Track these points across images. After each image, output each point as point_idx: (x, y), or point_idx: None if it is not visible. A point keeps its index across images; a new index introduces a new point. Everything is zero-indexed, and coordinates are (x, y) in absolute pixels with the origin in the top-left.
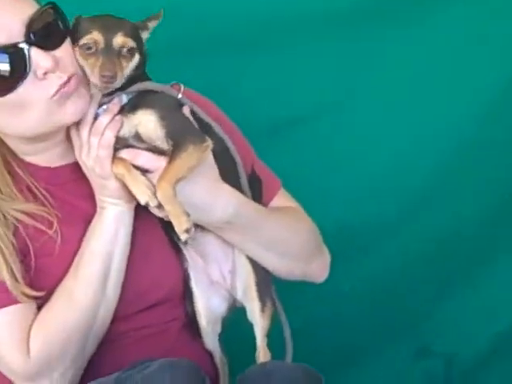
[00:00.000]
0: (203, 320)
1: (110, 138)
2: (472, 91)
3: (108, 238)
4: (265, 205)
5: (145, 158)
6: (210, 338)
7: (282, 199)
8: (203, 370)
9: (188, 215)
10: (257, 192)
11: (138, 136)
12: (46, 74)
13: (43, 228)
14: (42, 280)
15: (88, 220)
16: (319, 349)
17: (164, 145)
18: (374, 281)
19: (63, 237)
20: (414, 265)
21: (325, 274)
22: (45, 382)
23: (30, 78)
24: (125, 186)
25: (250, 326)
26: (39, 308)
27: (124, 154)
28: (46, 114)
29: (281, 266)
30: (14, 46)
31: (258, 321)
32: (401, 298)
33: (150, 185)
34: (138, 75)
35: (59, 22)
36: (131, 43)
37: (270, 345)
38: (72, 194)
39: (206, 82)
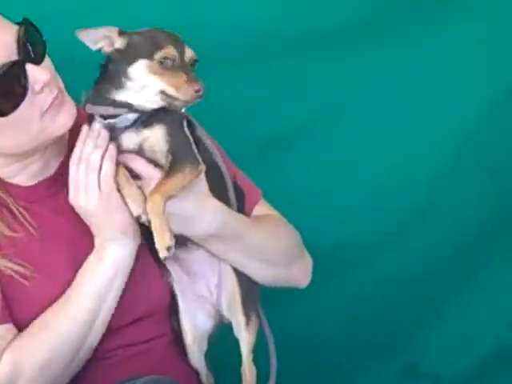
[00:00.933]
0: (189, 337)
1: (110, 169)
2: (468, 105)
3: (103, 281)
4: (247, 214)
5: (141, 164)
6: (196, 356)
7: (262, 208)
8: None
9: (172, 233)
10: (240, 203)
11: (141, 149)
12: (43, 87)
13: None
14: (21, 302)
15: (67, 236)
16: (304, 368)
17: (163, 160)
18: (361, 300)
19: (43, 252)
20: (401, 284)
21: (307, 279)
22: None
23: (29, 94)
24: (132, 222)
25: (236, 342)
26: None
27: (121, 156)
28: (40, 129)
29: (264, 272)
30: (14, 63)
31: (244, 335)
32: (388, 318)
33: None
34: None
35: (38, 37)
36: (196, 56)
37: (256, 361)
38: (50, 209)
39: None
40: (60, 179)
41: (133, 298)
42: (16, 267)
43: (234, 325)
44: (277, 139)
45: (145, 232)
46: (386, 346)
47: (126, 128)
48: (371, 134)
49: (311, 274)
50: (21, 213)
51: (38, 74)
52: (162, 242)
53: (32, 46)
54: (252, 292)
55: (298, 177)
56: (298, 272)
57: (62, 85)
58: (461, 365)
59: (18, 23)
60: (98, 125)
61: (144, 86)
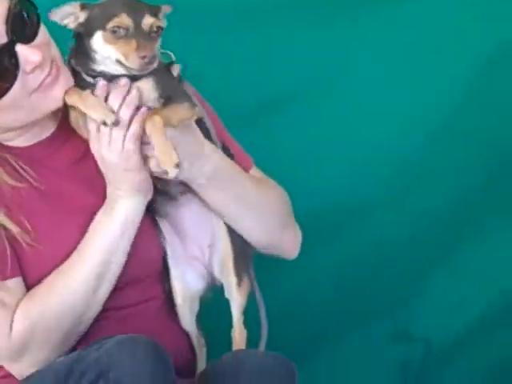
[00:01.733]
0: (179, 298)
1: (137, 130)
2: (460, 65)
3: (114, 234)
4: None
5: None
6: (187, 318)
7: (255, 174)
8: (180, 351)
9: (176, 151)
10: None
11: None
12: (34, 68)
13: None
14: (28, 259)
15: (69, 195)
16: (294, 332)
17: (156, 104)
18: (350, 264)
19: (47, 209)
20: (389, 248)
21: (296, 250)
22: (25, 363)
23: (20, 75)
24: (148, 178)
25: (227, 304)
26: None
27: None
28: (30, 107)
29: (257, 231)
30: (3, 46)
31: (235, 296)
32: (378, 282)
33: (106, 106)
34: None
35: (30, 12)
36: (159, 24)
37: (246, 325)
38: (50, 169)
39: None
40: (58, 139)
41: (129, 260)
42: (18, 229)
43: (225, 286)
44: (268, 103)
45: None
46: (375, 311)
47: None
48: (363, 96)
49: (299, 247)
50: (22, 167)
51: (30, 55)
52: (170, 160)
53: (23, 24)
54: (245, 254)
55: (289, 140)
56: (290, 241)
57: (57, 55)
58: (451, 329)
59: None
60: (125, 80)
61: (104, 56)
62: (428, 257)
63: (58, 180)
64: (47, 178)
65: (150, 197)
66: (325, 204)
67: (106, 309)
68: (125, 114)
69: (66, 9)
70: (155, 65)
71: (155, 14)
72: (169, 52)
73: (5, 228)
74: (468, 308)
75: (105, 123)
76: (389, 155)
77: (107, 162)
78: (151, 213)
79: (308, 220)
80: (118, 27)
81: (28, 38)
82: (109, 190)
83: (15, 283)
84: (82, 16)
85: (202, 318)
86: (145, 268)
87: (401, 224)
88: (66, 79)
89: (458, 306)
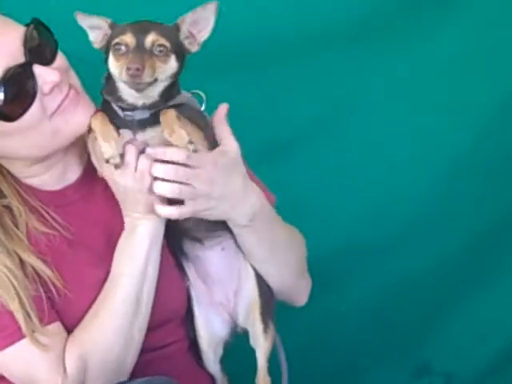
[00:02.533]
0: (204, 343)
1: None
2: (471, 108)
3: (141, 255)
4: None
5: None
6: (211, 361)
7: None
8: None
9: (186, 132)
10: None
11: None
12: (52, 88)
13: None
14: (61, 306)
15: (96, 242)
16: (317, 368)
17: None
18: (373, 301)
19: (70, 259)
20: (414, 285)
21: (306, 298)
22: None
23: (38, 96)
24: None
25: (250, 350)
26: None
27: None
28: (52, 130)
29: (277, 276)
30: (20, 66)
31: (261, 343)
32: (401, 318)
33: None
34: (176, 87)
35: (48, 36)
36: (164, 41)
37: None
38: (76, 215)
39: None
40: (85, 186)
41: (157, 302)
42: (51, 274)
43: (250, 333)
44: (282, 141)
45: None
46: (398, 346)
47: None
48: (376, 134)
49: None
50: (52, 216)
51: (47, 75)
52: (182, 139)
53: (41, 47)
54: (270, 299)
55: (303, 179)
56: (302, 288)
57: (77, 82)
58: (473, 364)
59: (27, 24)
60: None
61: (113, 74)
62: (450, 293)
63: (84, 226)
64: (75, 224)
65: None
66: (344, 241)
67: None
68: (131, 158)
69: (95, 19)
70: (144, 79)
71: (166, 34)
72: (200, 92)
73: (38, 275)
74: (489, 343)
75: (107, 161)
76: (409, 191)
77: (121, 185)
78: (177, 255)
79: (328, 257)
80: (120, 44)
81: (46, 60)
82: (126, 217)
83: (56, 327)
84: (109, 33)
85: (226, 362)
86: (168, 312)
87: (426, 260)
88: (86, 105)
89: (479, 342)
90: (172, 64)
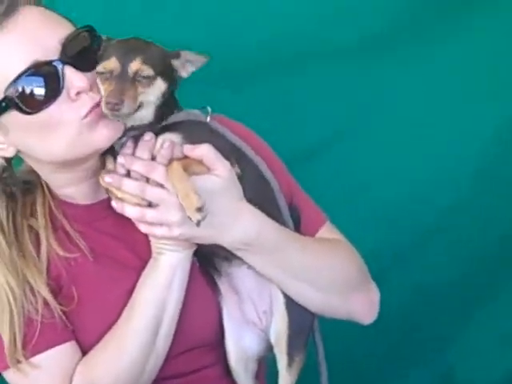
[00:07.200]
0: (232, 359)
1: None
2: (485, 119)
3: (162, 285)
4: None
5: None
6: (242, 377)
7: (326, 233)
8: None
9: (199, 195)
10: (295, 222)
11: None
12: (78, 94)
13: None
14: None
15: (118, 260)
16: (338, 375)
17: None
18: (396, 306)
19: (94, 278)
20: (437, 291)
21: (371, 315)
22: None
23: (62, 97)
24: None
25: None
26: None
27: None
28: (76, 136)
29: (314, 299)
30: (49, 63)
31: (283, 375)
32: (424, 324)
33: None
34: (169, 106)
35: (95, 46)
36: (148, 70)
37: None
38: (104, 233)
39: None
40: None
41: (186, 328)
42: (57, 306)
43: (276, 359)
44: (301, 151)
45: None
46: (422, 353)
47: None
48: (396, 143)
49: (377, 310)
50: (76, 237)
51: (75, 80)
52: (191, 205)
53: (82, 53)
54: (302, 327)
55: (321, 189)
56: (360, 306)
57: None
58: (491, 374)
59: (79, 28)
60: (150, 135)
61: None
62: (475, 299)
63: (112, 243)
64: (102, 240)
65: (193, 249)
66: (366, 247)
67: (162, 378)
68: (139, 167)
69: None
70: (123, 111)
71: (153, 60)
72: (208, 108)
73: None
74: (508, 354)
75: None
76: (431, 197)
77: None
78: (209, 272)
79: None
80: (103, 71)
81: (82, 67)
82: (152, 244)
83: (69, 347)
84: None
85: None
86: (202, 336)
87: (449, 265)
88: (114, 122)
89: (498, 352)
90: (158, 85)
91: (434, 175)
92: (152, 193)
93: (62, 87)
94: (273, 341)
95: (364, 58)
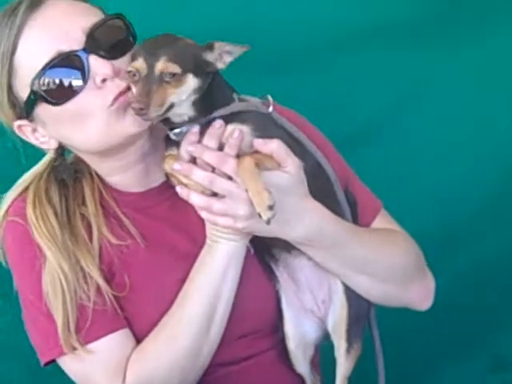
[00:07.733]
0: (291, 343)
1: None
2: None
3: (217, 273)
4: (362, 225)
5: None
6: (301, 362)
7: (382, 221)
8: None
9: (270, 192)
10: (352, 211)
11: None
12: (104, 81)
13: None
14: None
15: (172, 245)
16: (392, 362)
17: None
18: (445, 291)
19: (147, 265)
20: (487, 276)
21: (427, 302)
22: None
23: (88, 85)
24: None
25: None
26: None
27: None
28: (105, 124)
29: (369, 287)
30: (73, 53)
31: (342, 361)
32: (474, 309)
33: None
34: (216, 97)
35: (123, 33)
36: (173, 68)
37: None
38: (158, 219)
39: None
40: (170, 190)
41: (241, 314)
42: (109, 290)
43: (335, 346)
44: (346, 136)
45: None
46: (472, 340)
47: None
48: (443, 128)
49: (433, 297)
50: (128, 223)
51: (99, 67)
52: (263, 203)
53: (107, 41)
54: (361, 315)
55: (367, 174)
56: (417, 294)
57: None
58: None
59: (112, 15)
60: (220, 122)
61: None
62: None
63: (166, 230)
64: (156, 227)
65: (249, 237)
66: (413, 233)
67: (215, 364)
68: (210, 158)
69: None
70: (150, 116)
71: (179, 58)
72: (269, 96)
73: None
74: None
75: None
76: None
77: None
78: (266, 260)
79: None
80: (131, 72)
81: (108, 55)
82: (208, 235)
83: (122, 335)
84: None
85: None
86: (256, 322)
87: (500, 250)
88: None
89: None
90: (188, 83)
91: (489, 159)
92: (221, 185)
93: (88, 76)
94: (330, 329)
95: (416, 40)
